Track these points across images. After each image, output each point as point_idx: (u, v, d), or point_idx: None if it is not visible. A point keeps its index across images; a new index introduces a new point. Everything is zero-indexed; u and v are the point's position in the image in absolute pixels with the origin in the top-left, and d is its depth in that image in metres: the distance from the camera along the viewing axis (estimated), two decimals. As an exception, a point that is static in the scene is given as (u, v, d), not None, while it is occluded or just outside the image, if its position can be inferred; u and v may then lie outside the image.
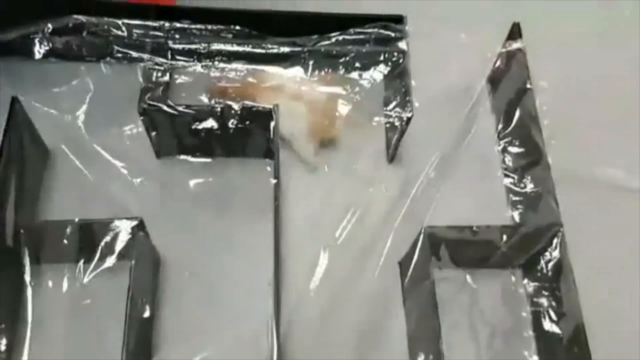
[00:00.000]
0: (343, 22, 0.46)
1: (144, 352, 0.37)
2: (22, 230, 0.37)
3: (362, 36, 0.46)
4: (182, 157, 0.44)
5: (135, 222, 0.37)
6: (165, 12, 0.45)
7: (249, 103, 0.42)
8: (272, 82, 0.46)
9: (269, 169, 0.43)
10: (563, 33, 0.51)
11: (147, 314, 0.37)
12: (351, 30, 0.46)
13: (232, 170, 0.44)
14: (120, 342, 0.34)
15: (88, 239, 0.37)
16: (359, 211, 0.42)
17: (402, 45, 0.45)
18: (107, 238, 0.37)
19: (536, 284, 0.39)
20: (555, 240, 0.38)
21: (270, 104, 0.41)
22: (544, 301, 0.39)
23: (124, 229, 0.37)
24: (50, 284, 0.36)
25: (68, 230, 0.36)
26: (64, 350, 0.36)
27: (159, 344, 0.38)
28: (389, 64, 0.46)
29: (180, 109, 0.41)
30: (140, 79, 0.41)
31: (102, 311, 0.37)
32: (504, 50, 0.46)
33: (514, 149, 0.45)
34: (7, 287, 0.36)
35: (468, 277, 0.40)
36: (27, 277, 0.36)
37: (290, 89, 0.45)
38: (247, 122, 0.42)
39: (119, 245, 0.37)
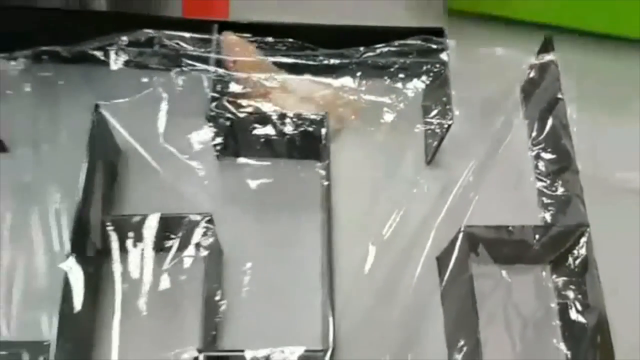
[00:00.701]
0: (387, 34, 0.50)
1: (212, 332, 0.42)
2: (108, 223, 0.41)
3: (405, 48, 0.50)
4: (243, 159, 0.48)
5: (207, 217, 0.42)
6: (223, 27, 0.50)
7: (301, 112, 0.47)
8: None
9: (321, 170, 0.47)
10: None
11: (217, 298, 0.42)
12: (395, 43, 0.50)
13: (287, 171, 0.48)
14: (194, 323, 0.40)
15: (166, 231, 0.42)
16: (403, 211, 0.47)
17: (443, 56, 0.49)
18: (184, 230, 0.42)
19: (564, 278, 0.43)
20: (582, 239, 0.42)
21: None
22: (570, 294, 0.43)
23: (198, 223, 0.42)
24: (134, 271, 0.41)
25: (149, 222, 0.41)
26: (149, 330, 0.41)
27: (224, 327, 0.43)
28: (430, 74, 0.50)
29: (241, 116, 0.46)
30: (206, 89, 0.46)
31: (180, 296, 0.42)
32: (537, 62, 0.50)
33: (546, 155, 0.49)
34: (94, 275, 0.42)
35: (503, 272, 0.44)
36: (117, 266, 0.41)
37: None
38: (300, 128, 0.47)
39: (195, 238, 0.42)
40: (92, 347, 0.41)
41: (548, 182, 0.47)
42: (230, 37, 0.49)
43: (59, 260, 0.39)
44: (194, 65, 0.47)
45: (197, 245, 0.42)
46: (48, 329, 0.37)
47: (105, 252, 0.42)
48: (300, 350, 0.39)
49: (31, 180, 0.46)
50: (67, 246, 0.39)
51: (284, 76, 0.48)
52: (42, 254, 0.43)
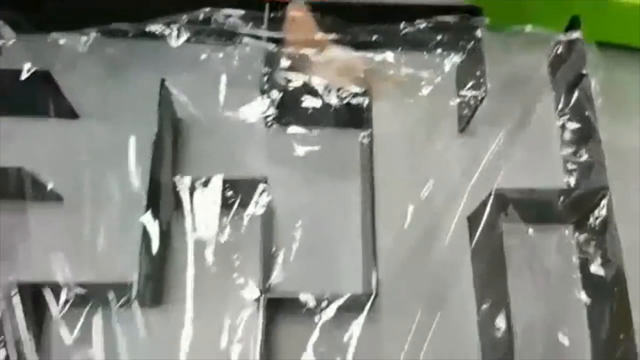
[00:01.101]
0: (426, 11, 0.54)
1: (269, 279, 0.47)
2: (178, 183, 0.47)
3: (443, 25, 0.54)
4: (292, 128, 0.53)
5: (263, 180, 0.47)
6: (276, 6, 0.54)
7: (346, 85, 0.51)
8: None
9: (364, 138, 0.51)
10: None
11: (273, 249, 0.48)
12: (434, 19, 0.54)
13: (333, 139, 0.53)
14: (254, 271, 0.45)
15: (228, 191, 0.47)
16: (438, 175, 0.51)
17: (477, 33, 0.53)
18: (244, 191, 0.47)
19: (585, 236, 0.48)
20: (603, 202, 0.47)
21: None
22: (591, 250, 0.47)
23: (256, 184, 0.47)
24: (201, 225, 0.46)
25: (214, 183, 0.46)
26: (215, 275, 0.47)
27: (278, 275, 0.48)
28: (465, 50, 0.54)
29: (291, 89, 0.51)
30: (260, 63, 0.51)
31: (241, 248, 0.47)
32: (564, 39, 0.54)
33: (571, 125, 0.53)
34: (167, 227, 0.47)
35: (530, 231, 0.49)
36: (187, 220, 0.46)
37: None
38: (345, 100, 0.51)
39: (253, 198, 0.47)
40: (166, 287, 0.47)
41: (572, 149, 0.52)
42: (295, 12, 0.52)
43: (137, 216, 0.45)
44: (249, 42, 0.52)
45: (255, 204, 0.47)
46: (129, 272, 0.43)
47: (177, 208, 0.47)
48: (346, 295, 0.45)
49: (104, 145, 0.51)
50: (144, 203, 0.45)
51: (331, 51, 0.53)
52: (120, 210, 0.48)
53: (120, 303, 0.44)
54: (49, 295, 0.43)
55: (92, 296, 0.43)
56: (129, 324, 0.44)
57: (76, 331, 0.43)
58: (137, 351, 0.44)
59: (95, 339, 0.43)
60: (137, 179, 0.48)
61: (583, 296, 0.47)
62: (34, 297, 0.43)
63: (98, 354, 0.43)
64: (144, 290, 0.43)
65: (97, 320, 0.44)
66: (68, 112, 0.52)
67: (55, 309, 0.43)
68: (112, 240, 0.47)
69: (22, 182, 0.46)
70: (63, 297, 0.43)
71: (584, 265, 0.48)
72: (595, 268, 0.46)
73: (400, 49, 0.54)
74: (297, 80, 0.52)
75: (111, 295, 0.43)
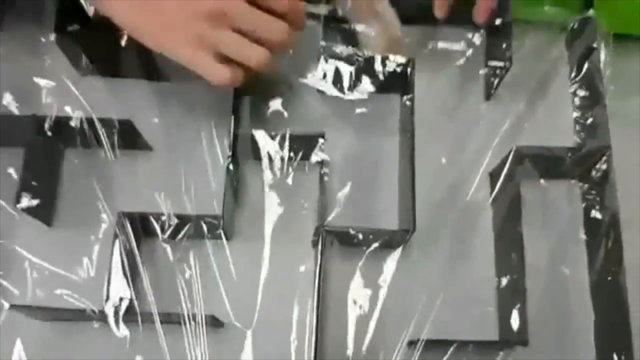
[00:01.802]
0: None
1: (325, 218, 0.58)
2: (255, 137, 0.57)
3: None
4: (349, 94, 0.62)
5: (322, 135, 0.57)
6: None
7: (392, 55, 0.60)
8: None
9: (407, 102, 0.61)
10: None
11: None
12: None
13: (380, 104, 0.62)
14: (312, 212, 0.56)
15: (293, 144, 0.57)
16: (467, 135, 0.61)
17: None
18: (305, 145, 0.57)
19: (588, 186, 0.58)
20: (604, 158, 0.56)
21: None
22: (592, 198, 0.57)
23: (317, 139, 0.57)
24: (275, 172, 0.57)
25: (283, 137, 0.56)
26: (282, 211, 0.57)
27: (332, 216, 0.58)
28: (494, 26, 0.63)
29: (343, 56, 0.60)
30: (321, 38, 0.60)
31: (303, 193, 0.58)
32: (579, 16, 0.63)
33: (581, 92, 0.62)
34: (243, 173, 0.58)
35: (543, 182, 0.59)
36: (265, 168, 0.57)
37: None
38: (391, 69, 0.60)
39: (314, 150, 0.57)
40: (245, 224, 0.57)
41: (581, 113, 0.61)
42: None
43: (219, 163, 0.55)
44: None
45: (315, 155, 0.58)
46: (218, 208, 0.54)
47: (254, 157, 0.58)
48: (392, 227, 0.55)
49: (189, 111, 0.61)
50: (228, 153, 0.55)
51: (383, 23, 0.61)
52: (206, 158, 0.58)
53: (210, 235, 0.55)
54: (153, 223, 0.54)
55: (186, 226, 0.54)
56: (217, 253, 0.55)
57: (177, 254, 0.55)
58: (225, 276, 0.55)
59: (192, 262, 0.54)
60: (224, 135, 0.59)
61: (583, 236, 0.57)
62: (141, 224, 0.54)
63: (194, 274, 0.54)
64: (228, 225, 0.54)
65: (191, 246, 0.55)
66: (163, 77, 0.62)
67: (159, 234, 0.54)
68: (204, 184, 0.57)
69: (126, 132, 0.57)
70: (164, 225, 0.54)
71: (587, 211, 0.58)
72: (595, 213, 0.56)
73: (437, 24, 0.63)
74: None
75: (204, 226, 0.54)
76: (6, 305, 0.52)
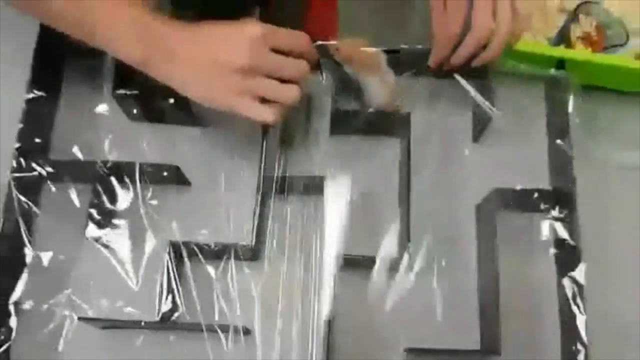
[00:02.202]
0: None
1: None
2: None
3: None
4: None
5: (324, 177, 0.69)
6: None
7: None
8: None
9: (402, 143, 0.72)
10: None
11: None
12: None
13: (381, 146, 0.74)
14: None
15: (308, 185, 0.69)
16: (455, 174, 0.72)
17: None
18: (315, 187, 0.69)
19: (555, 217, 0.69)
20: (571, 197, 0.67)
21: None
22: (559, 226, 0.68)
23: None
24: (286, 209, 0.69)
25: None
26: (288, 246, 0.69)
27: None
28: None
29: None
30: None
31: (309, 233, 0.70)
32: (553, 72, 0.73)
33: (554, 137, 0.72)
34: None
35: (515, 214, 0.70)
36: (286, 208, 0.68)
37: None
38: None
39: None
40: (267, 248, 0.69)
41: (553, 156, 0.72)
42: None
43: (247, 198, 0.67)
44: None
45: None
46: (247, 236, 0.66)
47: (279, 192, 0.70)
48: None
49: (222, 151, 0.73)
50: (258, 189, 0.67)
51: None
52: (237, 191, 0.70)
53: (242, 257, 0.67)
54: (203, 250, 0.66)
55: (223, 251, 0.66)
56: (249, 272, 0.67)
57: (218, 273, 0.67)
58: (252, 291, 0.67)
59: (230, 282, 0.66)
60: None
61: (552, 258, 0.69)
62: (186, 248, 0.66)
63: (233, 291, 0.66)
64: (256, 249, 0.66)
65: (229, 268, 0.67)
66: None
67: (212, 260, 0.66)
68: (233, 214, 0.69)
69: (172, 172, 0.69)
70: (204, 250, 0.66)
71: (556, 239, 0.69)
72: (561, 240, 0.67)
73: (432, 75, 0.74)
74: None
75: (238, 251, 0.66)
76: (75, 317, 0.64)
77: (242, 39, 0.58)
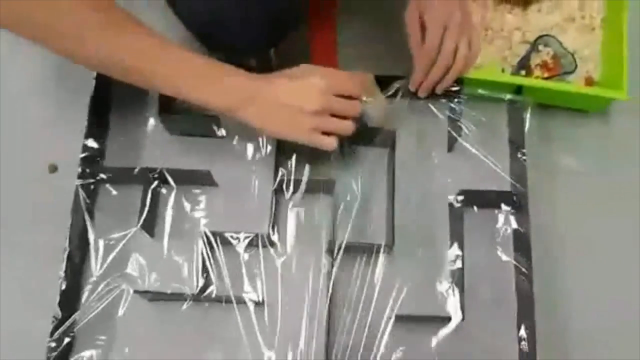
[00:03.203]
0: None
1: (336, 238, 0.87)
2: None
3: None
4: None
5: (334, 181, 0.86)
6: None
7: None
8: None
9: (389, 155, 0.89)
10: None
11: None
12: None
13: (374, 156, 0.91)
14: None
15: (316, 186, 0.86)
16: (432, 177, 0.90)
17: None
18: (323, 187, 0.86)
19: (511, 212, 0.86)
20: (521, 194, 0.84)
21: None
22: (513, 220, 0.85)
23: (332, 183, 0.86)
24: (293, 204, 0.86)
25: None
26: (297, 235, 0.86)
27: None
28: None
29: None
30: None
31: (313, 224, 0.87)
32: (512, 95, 0.90)
33: (513, 147, 0.90)
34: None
35: (479, 212, 0.87)
36: (293, 203, 0.86)
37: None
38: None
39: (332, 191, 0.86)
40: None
41: (511, 162, 0.89)
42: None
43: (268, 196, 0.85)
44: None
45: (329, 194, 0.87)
46: (262, 226, 0.83)
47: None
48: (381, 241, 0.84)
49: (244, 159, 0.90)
50: (272, 188, 0.84)
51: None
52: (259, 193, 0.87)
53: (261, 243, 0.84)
54: (230, 238, 0.83)
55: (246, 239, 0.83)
56: (266, 257, 0.84)
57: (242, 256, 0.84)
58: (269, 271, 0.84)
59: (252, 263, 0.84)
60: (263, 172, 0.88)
61: (511, 245, 0.86)
62: (219, 237, 0.83)
63: (256, 270, 0.83)
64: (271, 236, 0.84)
65: (252, 252, 0.84)
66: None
67: (238, 246, 0.83)
68: (252, 209, 0.86)
69: (205, 177, 0.86)
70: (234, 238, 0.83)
71: (515, 229, 0.86)
72: (515, 229, 0.84)
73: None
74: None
75: (257, 239, 0.83)
76: (131, 290, 0.81)
77: (311, 90, 0.75)
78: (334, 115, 0.77)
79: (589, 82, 0.96)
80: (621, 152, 0.95)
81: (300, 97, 0.75)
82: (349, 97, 0.79)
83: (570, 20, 0.99)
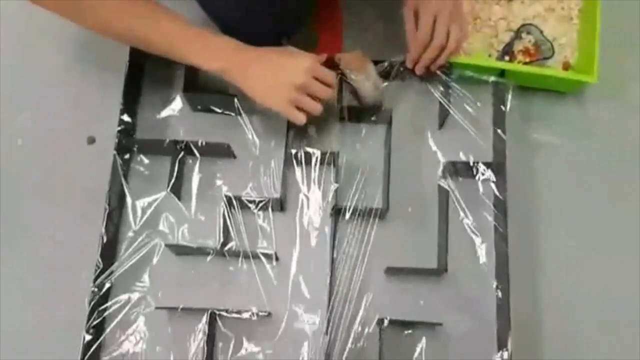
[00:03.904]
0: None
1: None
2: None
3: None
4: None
5: (338, 152, 0.99)
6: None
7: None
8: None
9: (387, 132, 1.02)
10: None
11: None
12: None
13: (373, 131, 1.03)
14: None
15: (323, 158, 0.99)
16: (424, 151, 1.02)
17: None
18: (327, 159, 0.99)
19: (492, 182, 0.98)
20: (500, 166, 0.97)
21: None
22: (494, 188, 0.98)
23: (337, 154, 0.99)
24: (300, 173, 0.99)
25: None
26: (304, 199, 0.99)
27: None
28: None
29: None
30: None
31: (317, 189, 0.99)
32: (496, 77, 1.02)
33: (496, 124, 1.02)
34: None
35: (461, 180, 0.99)
36: (300, 173, 0.99)
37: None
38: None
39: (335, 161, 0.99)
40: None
41: (494, 137, 1.01)
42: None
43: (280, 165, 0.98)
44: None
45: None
46: (276, 191, 0.97)
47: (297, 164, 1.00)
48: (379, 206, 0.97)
49: (258, 133, 1.03)
50: (282, 158, 0.97)
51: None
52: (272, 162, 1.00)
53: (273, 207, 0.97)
54: (247, 202, 0.96)
55: (260, 202, 0.96)
56: (278, 218, 0.97)
57: (258, 216, 0.97)
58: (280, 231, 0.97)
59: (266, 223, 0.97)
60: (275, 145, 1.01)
61: (492, 209, 0.98)
62: (239, 201, 0.96)
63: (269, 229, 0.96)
64: (283, 201, 0.96)
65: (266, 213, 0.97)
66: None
67: (253, 208, 0.96)
68: (267, 176, 0.99)
69: (224, 149, 0.99)
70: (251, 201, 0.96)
71: (494, 196, 0.98)
72: (494, 196, 0.97)
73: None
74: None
75: (270, 202, 0.96)
76: (162, 244, 0.95)
77: (298, 67, 0.88)
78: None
79: (566, 66, 1.08)
80: (593, 129, 1.07)
81: (288, 71, 0.88)
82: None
83: (551, 11, 1.10)
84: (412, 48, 0.97)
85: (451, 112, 1.01)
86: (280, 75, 0.88)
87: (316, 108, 0.90)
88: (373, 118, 1.02)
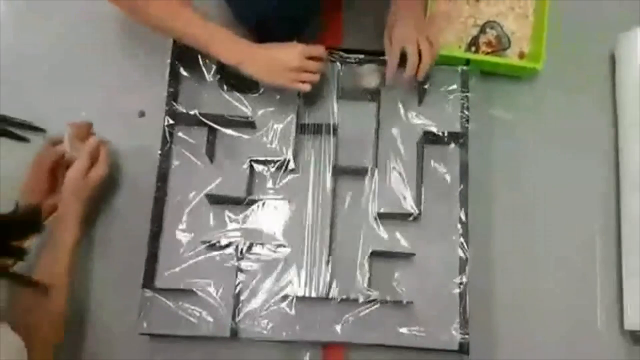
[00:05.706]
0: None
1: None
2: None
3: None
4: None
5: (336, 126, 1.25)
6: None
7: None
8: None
9: (377, 110, 1.28)
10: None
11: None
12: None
13: (364, 108, 1.30)
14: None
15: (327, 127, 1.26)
16: (407, 123, 1.29)
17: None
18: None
19: (455, 148, 1.26)
20: (465, 137, 1.24)
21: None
22: (458, 155, 1.25)
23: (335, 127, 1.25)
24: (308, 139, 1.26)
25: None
26: (311, 158, 1.27)
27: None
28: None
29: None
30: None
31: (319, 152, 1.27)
32: (463, 65, 1.28)
33: (462, 102, 1.29)
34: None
35: (436, 147, 1.26)
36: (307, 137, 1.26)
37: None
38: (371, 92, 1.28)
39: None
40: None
41: (460, 113, 1.28)
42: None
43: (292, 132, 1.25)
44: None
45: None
46: (288, 153, 1.24)
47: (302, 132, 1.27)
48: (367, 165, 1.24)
49: (272, 107, 1.29)
50: (294, 127, 1.24)
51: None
52: (285, 130, 1.27)
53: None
54: (265, 163, 1.23)
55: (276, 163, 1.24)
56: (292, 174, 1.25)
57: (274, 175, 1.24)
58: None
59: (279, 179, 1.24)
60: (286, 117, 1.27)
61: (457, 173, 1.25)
62: (256, 163, 1.24)
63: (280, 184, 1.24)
64: (295, 158, 1.24)
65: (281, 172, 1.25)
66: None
67: (270, 167, 1.24)
68: (281, 139, 1.26)
69: (246, 120, 1.25)
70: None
71: (462, 162, 1.25)
72: (459, 156, 1.24)
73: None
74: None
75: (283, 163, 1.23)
76: (201, 194, 1.22)
77: (293, 53, 1.15)
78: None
79: (521, 56, 1.34)
80: (542, 107, 1.34)
81: (285, 56, 1.16)
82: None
83: (511, 10, 1.36)
84: (387, 72, 1.22)
85: (427, 92, 1.27)
86: (281, 60, 1.16)
87: (315, 78, 1.19)
88: (365, 97, 1.29)
